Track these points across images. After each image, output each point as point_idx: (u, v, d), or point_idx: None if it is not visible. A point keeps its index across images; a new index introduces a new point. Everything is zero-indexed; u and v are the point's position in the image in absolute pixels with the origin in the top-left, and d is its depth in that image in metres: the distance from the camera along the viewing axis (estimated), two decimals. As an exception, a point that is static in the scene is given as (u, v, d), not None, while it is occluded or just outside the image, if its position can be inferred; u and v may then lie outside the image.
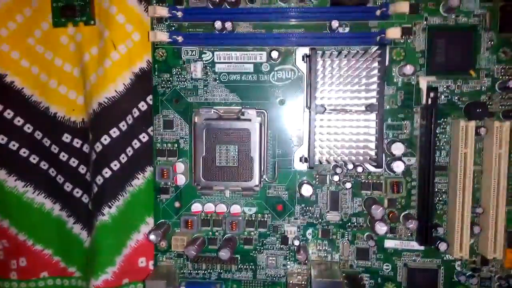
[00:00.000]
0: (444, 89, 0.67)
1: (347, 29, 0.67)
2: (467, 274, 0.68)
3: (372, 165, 0.66)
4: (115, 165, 0.75)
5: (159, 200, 0.72)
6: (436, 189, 0.67)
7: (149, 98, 0.73)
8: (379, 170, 0.67)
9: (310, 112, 0.65)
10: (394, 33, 0.64)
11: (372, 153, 0.64)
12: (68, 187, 0.79)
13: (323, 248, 0.71)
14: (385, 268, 0.70)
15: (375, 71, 0.64)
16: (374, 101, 0.64)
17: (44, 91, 0.77)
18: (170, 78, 0.70)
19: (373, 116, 0.64)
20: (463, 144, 0.63)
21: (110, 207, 0.75)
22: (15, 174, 0.79)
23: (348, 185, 0.68)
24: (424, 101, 0.65)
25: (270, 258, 0.71)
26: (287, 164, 0.70)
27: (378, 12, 0.64)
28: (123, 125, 0.75)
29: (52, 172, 0.79)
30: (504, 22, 0.65)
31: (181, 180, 0.70)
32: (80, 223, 0.80)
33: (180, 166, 0.69)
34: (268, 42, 0.67)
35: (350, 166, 0.67)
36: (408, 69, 0.64)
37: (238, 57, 0.69)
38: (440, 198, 0.68)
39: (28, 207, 0.79)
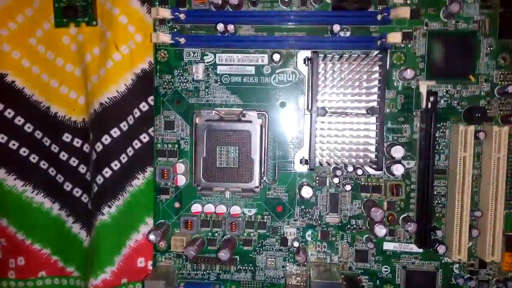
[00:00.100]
0: (444, 93, 0.67)
1: (348, 33, 0.67)
2: (465, 277, 0.68)
3: (372, 167, 0.66)
4: (116, 165, 0.75)
5: (159, 201, 0.72)
6: (435, 192, 0.68)
7: (151, 99, 0.74)
8: (378, 172, 0.68)
9: (311, 114, 0.65)
10: (394, 37, 0.64)
11: (372, 155, 0.65)
12: (67, 186, 0.79)
13: (322, 249, 0.71)
14: (384, 270, 0.70)
15: (376, 75, 0.64)
16: (374, 104, 0.65)
17: (45, 91, 0.77)
18: (172, 79, 0.70)
19: (373, 119, 0.65)
20: (462, 148, 0.64)
21: (110, 207, 0.75)
22: (14, 173, 0.79)
23: (348, 187, 0.69)
24: (424, 105, 0.66)
25: (270, 259, 0.71)
26: (287, 165, 0.70)
27: (379, 17, 0.65)
28: (124, 125, 0.75)
29: (52, 171, 0.79)
30: (503, 28, 0.66)
31: (181, 180, 0.70)
32: (79, 223, 0.80)
33: (181, 167, 0.69)
34: (269, 45, 0.68)
35: (350, 169, 0.67)
36: (409, 73, 0.64)
37: (239, 59, 0.69)
38: (439, 201, 0.68)
39: (27, 206, 0.79)
